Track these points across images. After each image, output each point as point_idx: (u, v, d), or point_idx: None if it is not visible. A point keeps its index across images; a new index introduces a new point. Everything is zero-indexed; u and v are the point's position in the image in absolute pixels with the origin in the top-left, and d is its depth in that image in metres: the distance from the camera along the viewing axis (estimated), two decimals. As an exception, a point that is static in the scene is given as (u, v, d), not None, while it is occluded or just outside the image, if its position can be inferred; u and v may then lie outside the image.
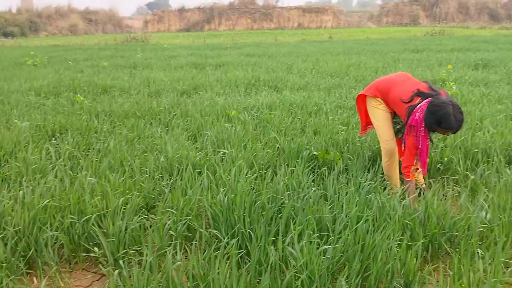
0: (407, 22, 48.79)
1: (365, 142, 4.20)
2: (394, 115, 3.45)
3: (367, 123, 3.71)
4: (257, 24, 48.58)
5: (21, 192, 2.89)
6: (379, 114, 3.40)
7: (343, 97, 6.80)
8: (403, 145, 3.23)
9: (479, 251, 2.42)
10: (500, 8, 50.00)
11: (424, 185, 3.47)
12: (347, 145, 4.16)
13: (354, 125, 5.01)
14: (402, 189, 3.20)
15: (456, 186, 3.49)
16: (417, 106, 3.00)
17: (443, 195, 3.26)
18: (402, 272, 2.27)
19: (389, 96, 3.27)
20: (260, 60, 12.60)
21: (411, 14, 49.62)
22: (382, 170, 3.54)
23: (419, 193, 3.31)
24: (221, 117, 5.40)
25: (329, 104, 6.15)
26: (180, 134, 4.62)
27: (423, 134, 2.99)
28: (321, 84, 8.12)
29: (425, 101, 2.99)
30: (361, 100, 3.59)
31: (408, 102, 3.05)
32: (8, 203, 2.73)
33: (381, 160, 3.66)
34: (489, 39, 20.39)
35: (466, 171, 3.60)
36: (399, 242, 2.44)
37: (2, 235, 2.38)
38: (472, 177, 3.42)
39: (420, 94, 3.04)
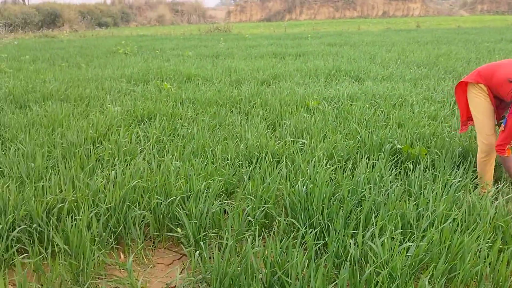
0: (504, 10, 44.60)
1: (455, 137, 3.93)
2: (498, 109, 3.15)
3: (468, 117, 3.35)
4: (339, 12, 47.43)
5: (113, 172, 3.12)
6: (480, 104, 3.10)
7: (430, 89, 6.43)
8: (503, 125, 2.94)
9: None
10: None
11: None
12: (435, 139, 3.93)
13: (442, 118, 4.72)
14: (496, 188, 2.95)
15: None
16: None
17: None
18: (492, 276, 2.10)
19: (493, 79, 2.98)
20: (342, 50, 12.31)
21: (510, 2, 45.24)
22: (474, 167, 3.30)
23: None
24: (300, 107, 5.37)
25: (415, 96, 5.86)
26: (259, 123, 4.67)
27: None
28: (406, 75, 7.74)
29: None
30: (462, 90, 3.27)
31: None
32: (102, 181, 2.96)
33: (473, 156, 3.42)
34: None
35: None
36: (490, 245, 2.27)
37: (95, 211, 2.59)
38: None
39: None
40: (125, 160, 3.53)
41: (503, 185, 3.03)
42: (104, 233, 2.48)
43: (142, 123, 4.86)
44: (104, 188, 2.89)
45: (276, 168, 3.32)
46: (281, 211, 2.81)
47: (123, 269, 2.35)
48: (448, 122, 4.53)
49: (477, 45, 12.55)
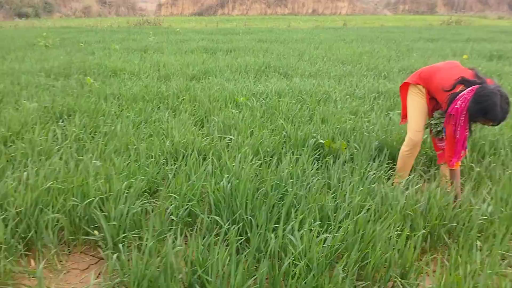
0: (424, 10, 47.87)
1: (373, 132, 4.15)
2: (433, 111, 3.34)
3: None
4: (271, 9, 48.10)
5: (25, 173, 2.92)
6: (415, 102, 3.26)
7: (353, 86, 6.73)
8: (444, 135, 3.06)
9: (478, 243, 2.40)
10: (521, -4, 48.72)
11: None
12: (354, 134, 4.12)
13: (362, 114, 4.97)
14: (407, 180, 3.16)
15: (461, 178, 3.45)
16: (459, 95, 2.81)
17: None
18: (400, 262, 2.26)
19: (432, 83, 3.11)
20: (272, 46, 12.50)
21: (429, 2, 48.66)
22: (388, 160, 3.51)
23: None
24: (229, 103, 5.38)
25: (339, 92, 6.10)
26: (187, 119, 4.62)
27: (462, 124, 2.82)
28: (332, 72, 8.03)
29: (468, 89, 2.79)
30: (405, 89, 3.41)
31: (450, 90, 2.88)
32: (12, 184, 2.76)
33: (387, 149, 3.64)
34: (507, 29, 19.95)
35: (472, 163, 3.55)
36: (399, 232, 2.43)
37: (3, 216, 2.41)
38: (478, 169, 3.38)
39: (464, 82, 2.84)
40: (40, 160, 3.32)
41: (413, 176, 3.26)
42: (12, 239, 2.32)
43: (60, 120, 4.60)
44: (15, 191, 2.70)
45: (202, 165, 3.30)
46: (206, 208, 2.80)
47: (33, 277, 2.21)
48: (367, 117, 4.77)
49: (397, 43, 13.32)
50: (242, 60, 9.38)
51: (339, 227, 2.44)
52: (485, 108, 2.66)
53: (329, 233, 2.38)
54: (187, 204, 2.72)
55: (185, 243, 2.41)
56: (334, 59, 9.89)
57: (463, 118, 2.80)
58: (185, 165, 3.32)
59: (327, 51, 11.16)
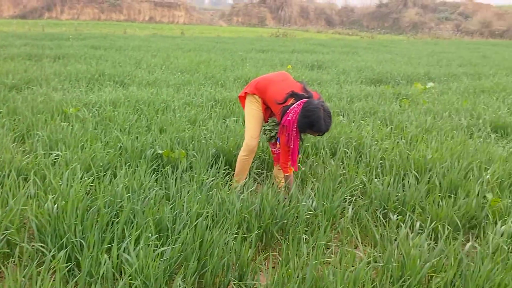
0: (255, 22, 51.44)
1: (211, 139, 4.26)
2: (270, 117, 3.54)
3: None
4: (105, 15, 45.69)
5: None
6: (252, 111, 3.45)
7: (191, 94, 6.81)
8: (278, 144, 3.30)
9: (305, 236, 2.65)
10: (335, 14, 56.21)
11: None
12: (193, 142, 4.16)
13: (201, 122, 5.06)
14: (242, 184, 3.32)
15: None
16: (291, 107, 3.11)
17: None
18: (238, 264, 2.35)
19: (267, 95, 3.33)
20: (107, 53, 11.87)
21: (259, 16, 52.47)
22: (225, 166, 3.64)
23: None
24: (57, 115, 4.91)
25: (177, 101, 6.10)
26: (4, 136, 4.05)
27: (294, 134, 3.12)
28: (170, 81, 8.01)
29: (298, 102, 3.11)
30: (244, 98, 3.56)
31: (282, 103, 3.16)
32: None
33: (224, 156, 3.77)
34: (324, 42, 22.77)
35: (299, 163, 3.92)
36: (236, 235, 2.53)
37: None
38: (303, 168, 3.75)
39: (294, 96, 3.15)
40: None
41: (248, 179, 3.44)
42: None
43: None
44: None
45: (23, 187, 2.92)
46: (27, 235, 2.48)
47: None
48: (205, 125, 4.87)
49: (232, 53, 14.00)
50: (73, 67, 8.68)
51: (179, 238, 2.42)
52: (311, 122, 3.02)
53: (168, 245, 2.34)
54: (3, 233, 2.37)
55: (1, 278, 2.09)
56: (173, 67, 9.89)
57: (295, 129, 3.11)
58: (1, 187, 2.90)
59: (165, 60, 11.09)
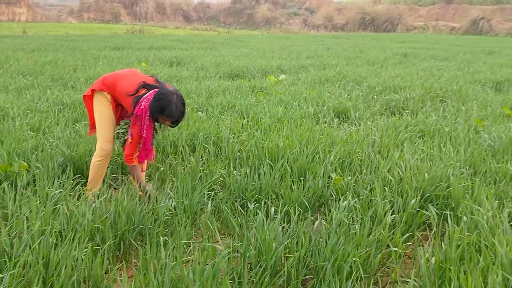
0: (109, 19, 48.75)
1: (57, 147, 3.90)
2: (120, 118, 3.34)
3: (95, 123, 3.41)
4: None
5: None
6: (102, 112, 3.24)
7: (35, 99, 6.16)
8: (129, 137, 3.13)
9: (164, 238, 2.60)
10: (192, 10, 56.31)
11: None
12: (37, 152, 3.76)
13: (46, 129, 4.60)
14: (95, 192, 3.11)
15: (150, 181, 3.67)
16: (143, 97, 3.06)
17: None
18: (90, 280, 2.19)
19: (116, 89, 3.19)
20: None
21: (113, 11, 49.83)
22: (74, 175, 3.37)
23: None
24: None
25: (18, 107, 5.45)
26: None
27: (147, 123, 3.06)
28: (10, 85, 7.13)
29: (150, 91, 3.07)
30: (90, 98, 3.33)
31: (134, 94, 3.08)
32: None
33: (72, 165, 3.49)
34: (183, 38, 22.66)
35: (158, 163, 3.83)
36: (87, 249, 2.35)
37: None
38: (162, 168, 3.67)
39: (146, 86, 3.10)
40: None
41: (102, 186, 3.23)
42: None
43: None
44: None
45: None
46: None
47: None
48: (51, 132, 4.45)
49: (83, 52, 13.03)
50: None
51: (18, 262, 2.16)
52: (162, 105, 2.97)
53: (6, 271, 2.07)
54: None
55: None
56: (13, 70, 8.83)
57: (148, 117, 3.05)
58: None
59: (3, 62, 9.83)
